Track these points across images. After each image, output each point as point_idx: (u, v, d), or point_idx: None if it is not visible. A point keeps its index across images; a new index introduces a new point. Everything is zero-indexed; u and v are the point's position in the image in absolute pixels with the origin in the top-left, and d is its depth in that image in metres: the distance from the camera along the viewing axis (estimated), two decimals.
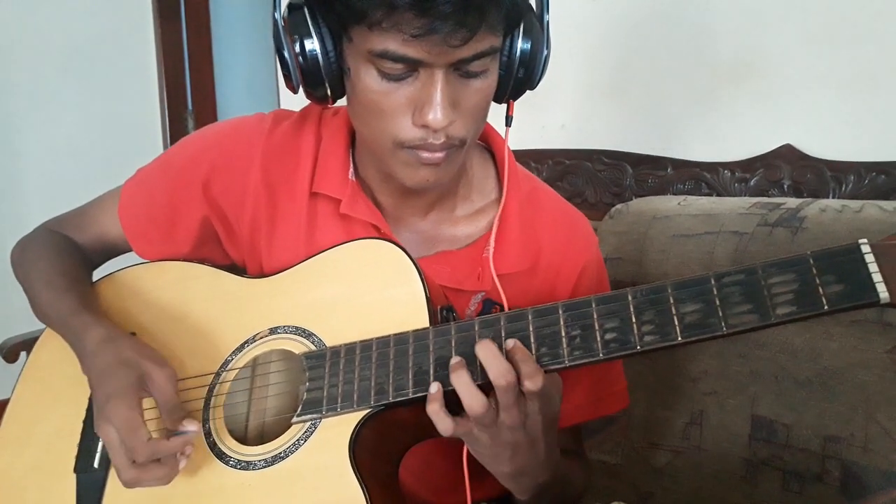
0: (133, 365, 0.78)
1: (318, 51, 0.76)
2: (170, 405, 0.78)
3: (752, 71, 1.36)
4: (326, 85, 0.78)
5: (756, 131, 1.36)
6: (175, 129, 2.63)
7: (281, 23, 0.77)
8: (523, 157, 1.59)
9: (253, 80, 2.72)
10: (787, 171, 1.32)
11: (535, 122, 1.63)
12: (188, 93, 2.67)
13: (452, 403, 0.72)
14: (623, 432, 1.24)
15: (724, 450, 1.12)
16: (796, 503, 1.05)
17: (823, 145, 1.29)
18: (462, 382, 0.70)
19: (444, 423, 0.71)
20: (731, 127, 1.40)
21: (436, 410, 0.71)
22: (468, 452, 0.76)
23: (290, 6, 0.78)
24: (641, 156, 1.50)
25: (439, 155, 0.76)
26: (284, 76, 0.79)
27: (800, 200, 1.16)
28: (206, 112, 2.69)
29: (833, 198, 1.26)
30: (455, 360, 0.72)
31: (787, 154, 1.32)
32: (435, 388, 0.72)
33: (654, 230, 1.27)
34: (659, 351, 0.69)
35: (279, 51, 0.78)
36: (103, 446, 0.85)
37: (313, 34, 0.76)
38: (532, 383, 0.69)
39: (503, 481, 0.78)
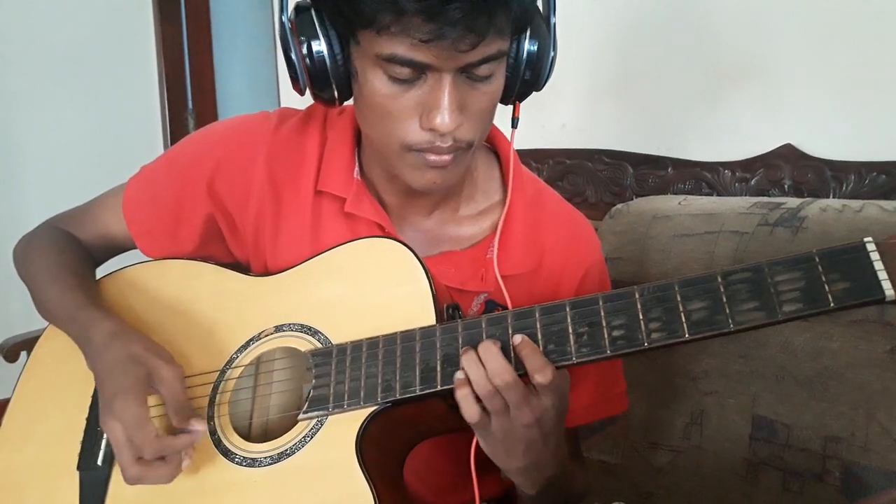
0: (141, 361, 0.78)
1: (326, 53, 0.76)
2: (177, 403, 0.78)
3: (753, 71, 1.37)
4: (334, 87, 0.78)
5: (756, 131, 1.37)
6: (175, 129, 2.63)
7: (288, 25, 0.77)
8: (524, 156, 1.58)
9: (253, 81, 2.71)
10: (787, 170, 1.32)
11: (535, 122, 1.63)
12: (188, 93, 2.66)
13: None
14: (623, 432, 1.24)
15: (725, 450, 1.13)
16: (796, 503, 1.05)
17: (824, 145, 1.29)
18: (472, 362, 0.71)
19: (472, 409, 0.71)
20: (732, 127, 1.40)
21: (465, 395, 0.71)
22: (476, 450, 0.77)
23: (297, 8, 0.78)
24: (642, 155, 1.50)
25: (447, 157, 0.77)
26: (291, 78, 0.79)
27: (800, 200, 1.17)
28: (207, 112, 2.68)
29: (833, 197, 1.26)
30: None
31: (788, 154, 1.33)
32: (462, 374, 0.72)
33: (655, 230, 1.27)
34: (666, 348, 0.69)
35: (286, 53, 0.78)
36: (107, 443, 0.85)
37: (321, 36, 0.75)
38: (542, 376, 0.69)
39: (513, 476, 0.78)
